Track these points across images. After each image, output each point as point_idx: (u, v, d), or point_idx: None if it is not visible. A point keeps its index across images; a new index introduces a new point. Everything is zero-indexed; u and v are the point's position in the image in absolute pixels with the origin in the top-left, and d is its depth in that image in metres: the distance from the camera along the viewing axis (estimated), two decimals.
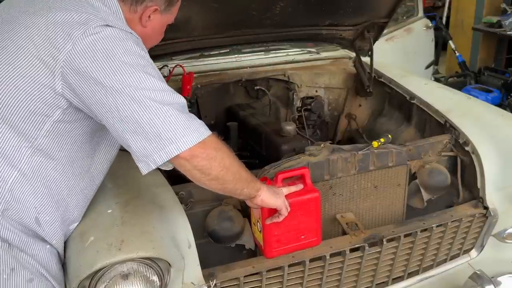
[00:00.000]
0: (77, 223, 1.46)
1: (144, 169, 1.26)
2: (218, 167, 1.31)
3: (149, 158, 1.24)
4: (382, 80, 2.63)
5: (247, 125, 2.38)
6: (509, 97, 4.95)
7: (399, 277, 1.92)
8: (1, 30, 1.31)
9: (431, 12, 6.12)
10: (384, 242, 1.76)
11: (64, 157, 1.35)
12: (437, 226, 1.85)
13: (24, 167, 1.28)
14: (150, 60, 1.31)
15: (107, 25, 1.25)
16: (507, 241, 2.00)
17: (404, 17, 4.74)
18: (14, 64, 1.25)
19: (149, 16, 1.44)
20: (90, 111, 1.28)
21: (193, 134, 1.24)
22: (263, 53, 2.75)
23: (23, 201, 1.29)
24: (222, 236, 1.70)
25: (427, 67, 5.00)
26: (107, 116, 1.24)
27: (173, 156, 1.23)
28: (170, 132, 1.22)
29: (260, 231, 1.65)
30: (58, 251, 1.42)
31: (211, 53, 2.63)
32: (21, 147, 1.27)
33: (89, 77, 1.21)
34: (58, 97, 1.26)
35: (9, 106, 1.25)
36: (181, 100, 1.29)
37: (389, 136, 1.93)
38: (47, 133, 1.29)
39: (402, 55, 4.45)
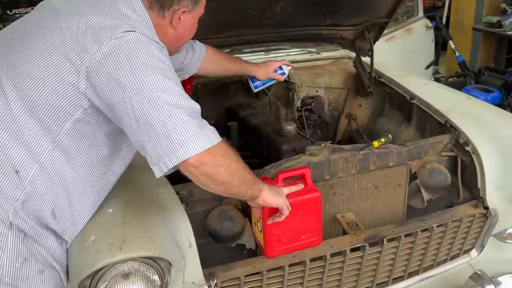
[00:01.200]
0: (87, 223, 1.47)
1: (158, 173, 1.28)
2: (225, 173, 1.33)
3: (161, 160, 1.25)
4: (382, 80, 2.63)
5: (247, 125, 2.38)
6: (509, 97, 4.95)
7: (400, 277, 1.92)
8: (37, 27, 1.36)
9: (431, 12, 6.13)
10: (385, 242, 1.76)
11: (81, 158, 1.39)
12: (437, 226, 1.85)
13: (45, 161, 1.32)
14: (170, 66, 1.34)
15: (133, 31, 1.28)
16: (507, 241, 2.00)
17: (404, 17, 4.74)
18: (44, 59, 1.29)
19: (179, 18, 1.47)
20: (109, 112, 1.31)
21: (203, 141, 1.26)
22: (263, 53, 2.75)
23: (43, 194, 1.33)
24: (223, 236, 1.70)
25: (427, 67, 5.00)
26: (124, 117, 1.27)
27: (183, 160, 1.24)
28: (180, 135, 1.23)
29: (260, 231, 1.65)
30: (67, 247, 1.45)
31: None
32: (44, 141, 1.32)
33: (110, 78, 1.25)
34: (81, 96, 1.30)
35: (36, 99, 1.29)
36: (196, 106, 1.31)
37: (390, 136, 1.94)
38: (68, 131, 1.33)
39: (402, 55, 4.45)
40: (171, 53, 1.50)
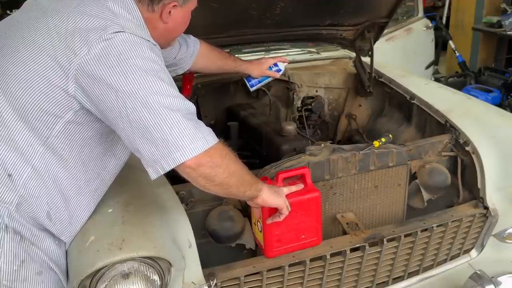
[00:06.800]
0: (85, 223, 1.46)
1: (153, 175, 1.27)
2: (223, 174, 1.32)
3: (157, 163, 1.25)
4: (382, 80, 2.63)
5: (247, 125, 2.38)
6: (509, 97, 4.95)
7: (400, 277, 1.92)
8: (26, 29, 1.34)
9: (431, 12, 6.13)
10: (385, 242, 1.76)
11: (74, 158, 1.38)
12: (437, 226, 1.85)
13: (37, 164, 1.31)
14: (163, 66, 1.32)
15: (123, 31, 1.26)
16: (507, 241, 2.00)
17: (404, 17, 4.75)
18: (32, 63, 1.27)
19: (170, 12, 1.44)
20: (102, 115, 1.30)
21: (200, 142, 1.25)
22: (263, 53, 2.74)
23: (37, 196, 1.32)
24: (223, 236, 1.70)
25: (427, 67, 5.00)
26: (117, 121, 1.26)
27: (180, 163, 1.24)
28: (177, 138, 1.23)
29: (260, 231, 1.65)
30: (66, 248, 1.44)
31: None
32: (35, 144, 1.30)
33: (101, 81, 1.23)
34: (70, 98, 1.28)
35: (25, 103, 1.28)
36: (191, 107, 1.30)
37: (390, 136, 1.94)
38: (58, 134, 1.32)
39: (402, 55, 4.46)
40: (162, 47, 1.48)
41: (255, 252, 1.79)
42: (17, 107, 1.28)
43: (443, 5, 6.55)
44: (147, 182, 1.58)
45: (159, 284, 1.43)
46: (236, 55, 2.33)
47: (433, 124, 2.28)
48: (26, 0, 1.47)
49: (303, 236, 1.67)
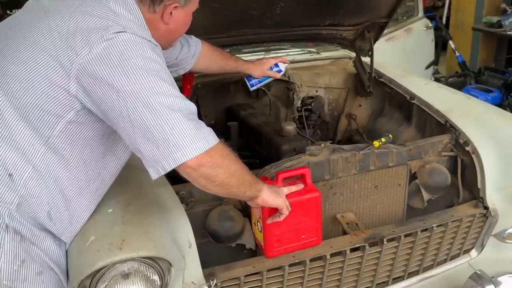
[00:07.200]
0: (85, 223, 1.47)
1: (154, 175, 1.27)
2: (224, 174, 1.33)
3: (158, 164, 1.25)
4: (382, 80, 2.63)
5: (247, 125, 2.38)
6: (509, 97, 4.95)
7: (400, 277, 1.92)
8: (27, 29, 1.34)
9: (431, 12, 6.14)
10: (385, 242, 1.76)
11: (75, 158, 1.38)
12: (437, 226, 1.85)
13: (39, 164, 1.31)
14: (164, 66, 1.32)
15: (124, 31, 1.26)
16: (507, 241, 2.00)
17: (404, 17, 4.76)
18: (33, 63, 1.27)
19: (171, 13, 1.44)
20: (103, 115, 1.30)
21: (201, 142, 1.26)
22: (263, 53, 2.74)
23: (37, 196, 1.32)
24: (223, 236, 1.70)
25: (427, 67, 5.01)
26: (118, 120, 1.26)
27: (181, 163, 1.24)
28: (178, 139, 1.23)
29: (260, 231, 1.65)
30: (66, 248, 1.44)
31: None
32: (36, 144, 1.31)
33: (102, 81, 1.23)
34: (72, 98, 1.28)
35: (27, 103, 1.28)
36: (192, 107, 1.31)
37: (390, 136, 1.94)
38: (60, 133, 1.32)
39: (402, 55, 4.46)
40: (164, 48, 1.48)
41: (255, 252, 1.79)
42: (19, 107, 1.28)
43: (443, 5, 6.56)
44: (147, 182, 1.58)
45: (159, 284, 1.43)
46: (236, 55, 2.34)
47: (433, 124, 2.28)
48: (27, 0, 1.47)
49: (303, 236, 1.67)
